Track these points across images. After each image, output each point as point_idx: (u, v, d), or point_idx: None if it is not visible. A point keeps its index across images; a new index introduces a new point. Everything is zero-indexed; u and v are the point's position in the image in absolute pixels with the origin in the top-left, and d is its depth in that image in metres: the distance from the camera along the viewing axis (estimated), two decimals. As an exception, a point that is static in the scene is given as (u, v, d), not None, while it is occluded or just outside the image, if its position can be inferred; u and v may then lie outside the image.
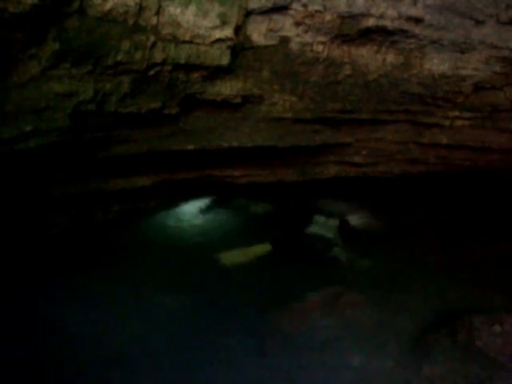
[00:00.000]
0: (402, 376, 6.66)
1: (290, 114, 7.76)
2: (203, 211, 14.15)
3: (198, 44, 5.72)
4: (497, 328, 6.71)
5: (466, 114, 9.03)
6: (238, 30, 5.87)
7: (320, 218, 14.16)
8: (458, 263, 10.33)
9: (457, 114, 9.00)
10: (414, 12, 6.61)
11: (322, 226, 13.61)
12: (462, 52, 7.41)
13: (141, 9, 5.16)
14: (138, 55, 5.49)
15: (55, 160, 7.18)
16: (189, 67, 6.02)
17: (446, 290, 9.02)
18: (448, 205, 13.31)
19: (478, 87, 8.08)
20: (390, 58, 7.39)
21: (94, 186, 8.86)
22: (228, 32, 5.72)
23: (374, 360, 7.00)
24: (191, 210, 13.90)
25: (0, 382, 6.19)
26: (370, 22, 6.53)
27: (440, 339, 7.16)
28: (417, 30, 6.85)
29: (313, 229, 13.62)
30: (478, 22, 6.90)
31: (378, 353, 7.14)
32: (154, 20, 5.33)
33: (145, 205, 10.87)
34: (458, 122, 9.28)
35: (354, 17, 6.39)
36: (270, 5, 5.88)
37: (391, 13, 6.52)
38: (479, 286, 8.85)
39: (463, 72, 7.72)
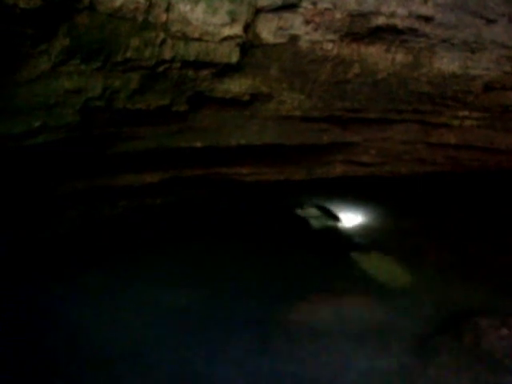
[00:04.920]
0: (407, 377, 6.62)
1: (298, 113, 7.74)
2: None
3: (207, 41, 5.72)
4: (504, 330, 6.66)
5: (476, 114, 8.96)
6: (247, 27, 5.86)
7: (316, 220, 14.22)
8: (464, 263, 10.27)
9: (466, 113, 8.93)
10: (425, 10, 6.57)
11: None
12: (473, 51, 7.36)
13: (150, 6, 5.15)
14: (147, 52, 5.50)
15: (63, 156, 7.21)
16: (198, 64, 6.02)
17: (451, 290, 8.97)
18: (456, 205, 13.23)
19: (488, 87, 8.02)
20: (400, 56, 7.35)
21: (102, 182, 8.89)
22: (237, 29, 5.71)
23: (378, 361, 6.96)
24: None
25: (5, 380, 6.19)
26: (380, 21, 6.49)
27: (446, 341, 7.12)
28: (427, 28, 6.80)
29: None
30: (490, 21, 6.84)
31: (383, 353, 7.10)
32: (164, 17, 5.32)
33: (152, 201, 10.89)
34: (467, 122, 9.21)
35: (363, 15, 6.35)
36: (279, 2, 5.86)
37: (401, 11, 6.48)
38: (486, 288, 8.79)
39: (473, 71, 7.66)
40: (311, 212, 14.69)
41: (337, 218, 14.29)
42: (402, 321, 7.92)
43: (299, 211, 15.01)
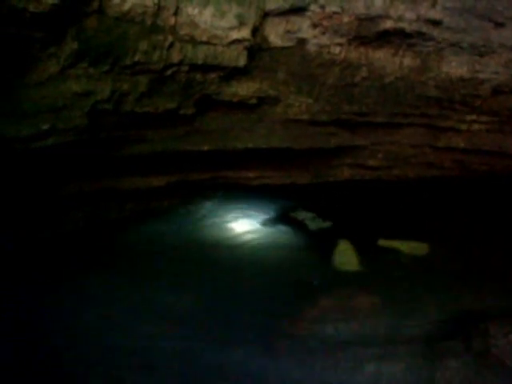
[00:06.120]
0: (415, 382, 6.57)
1: (305, 116, 7.75)
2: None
3: (215, 45, 5.76)
4: (513, 336, 6.59)
5: (484, 118, 8.93)
6: (255, 31, 5.89)
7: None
8: (471, 267, 10.19)
9: (474, 117, 8.91)
10: (433, 14, 6.57)
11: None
12: (481, 55, 7.34)
13: (159, 9, 5.19)
14: (155, 55, 5.53)
15: (71, 158, 7.23)
16: (206, 68, 6.05)
17: (460, 295, 8.88)
18: (463, 209, 13.15)
19: (497, 91, 8.00)
20: (407, 60, 7.35)
21: (109, 185, 8.89)
22: (245, 33, 5.74)
23: (386, 365, 6.89)
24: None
25: (5, 380, 6.16)
26: (388, 25, 6.50)
27: (454, 345, 7.02)
28: (435, 32, 6.80)
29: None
30: (498, 25, 6.84)
31: (391, 358, 7.04)
32: (172, 20, 5.36)
33: (158, 204, 10.90)
34: (475, 126, 9.18)
35: (371, 19, 6.37)
36: (287, 6, 5.89)
37: (409, 15, 6.49)
38: (494, 292, 8.70)
39: (481, 75, 7.64)
40: (305, 215, 14.78)
41: (331, 221, 14.26)
42: (408, 325, 7.85)
43: (295, 214, 15.09)
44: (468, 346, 6.83)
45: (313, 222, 14.12)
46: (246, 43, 5.87)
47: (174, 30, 5.42)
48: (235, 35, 5.71)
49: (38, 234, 9.38)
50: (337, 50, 6.68)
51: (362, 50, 6.98)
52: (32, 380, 6.33)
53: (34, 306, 7.94)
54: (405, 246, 11.36)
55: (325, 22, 6.21)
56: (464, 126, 9.19)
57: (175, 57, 5.65)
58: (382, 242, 11.63)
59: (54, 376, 6.43)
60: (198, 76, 6.17)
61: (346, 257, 10.76)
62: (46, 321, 7.63)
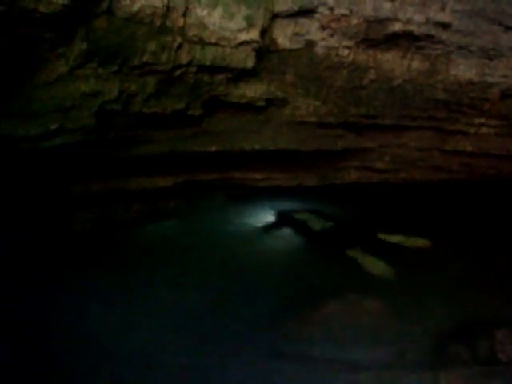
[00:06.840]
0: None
1: (313, 118, 7.73)
2: None
3: (223, 46, 5.76)
4: (520, 342, 6.54)
5: (492, 122, 8.89)
6: (263, 32, 5.90)
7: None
8: (477, 272, 10.13)
9: (482, 121, 8.88)
10: (442, 17, 6.56)
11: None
12: (490, 58, 7.32)
13: (168, 10, 5.21)
14: (163, 56, 5.54)
15: (79, 158, 7.25)
16: (214, 69, 6.05)
17: (464, 299, 8.83)
18: (473, 213, 13.10)
19: (506, 94, 7.97)
20: (416, 63, 7.34)
21: (116, 186, 8.90)
22: (254, 35, 5.75)
23: (391, 371, 6.86)
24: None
25: (5, 381, 6.17)
26: (397, 27, 6.49)
27: (460, 351, 6.96)
28: (444, 35, 6.79)
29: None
30: (508, 28, 6.82)
31: (396, 364, 7.00)
32: (181, 21, 5.37)
33: (165, 205, 10.91)
34: (484, 130, 9.15)
35: (380, 21, 6.36)
36: (296, 8, 5.89)
37: (418, 18, 6.48)
38: (501, 298, 8.64)
39: (490, 79, 7.62)
40: (311, 216, 14.79)
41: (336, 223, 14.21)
42: (412, 329, 7.82)
43: (300, 215, 15.09)
44: (474, 351, 6.79)
45: (318, 224, 14.14)
46: (255, 45, 5.88)
47: (182, 31, 5.43)
48: (244, 37, 5.71)
49: (42, 234, 9.42)
50: (345, 52, 6.68)
51: (370, 52, 6.97)
52: (32, 380, 6.37)
53: (35, 306, 7.99)
54: (408, 241, 11.27)
55: (333, 25, 6.21)
56: (472, 130, 9.16)
57: (184, 58, 5.65)
58: (382, 236, 11.55)
59: (54, 376, 6.47)
60: (206, 77, 6.17)
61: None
62: (46, 321, 7.68)
